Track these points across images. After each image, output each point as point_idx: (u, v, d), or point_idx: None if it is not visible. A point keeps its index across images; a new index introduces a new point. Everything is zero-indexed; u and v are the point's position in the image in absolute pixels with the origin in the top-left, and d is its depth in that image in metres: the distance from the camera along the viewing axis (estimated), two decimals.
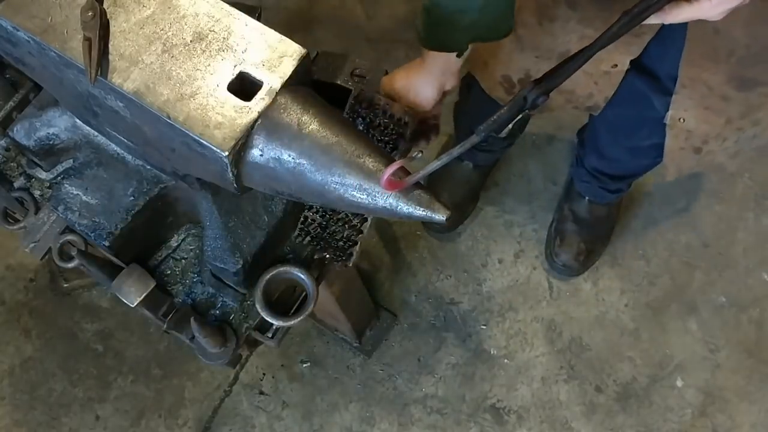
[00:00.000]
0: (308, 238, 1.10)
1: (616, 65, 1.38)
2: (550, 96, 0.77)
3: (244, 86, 0.86)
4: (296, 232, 1.10)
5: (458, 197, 2.15)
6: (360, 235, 1.11)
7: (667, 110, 1.40)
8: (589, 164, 1.94)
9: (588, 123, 1.90)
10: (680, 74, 1.32)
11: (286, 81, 0.86)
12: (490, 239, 2.18)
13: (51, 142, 1.10)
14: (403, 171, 0.83)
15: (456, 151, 0.76)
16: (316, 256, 1.12)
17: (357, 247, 1.11)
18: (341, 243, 1.11)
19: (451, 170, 2.12)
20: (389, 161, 0.84)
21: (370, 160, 0.84)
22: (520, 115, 0.77)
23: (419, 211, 0.83)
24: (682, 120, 1.40)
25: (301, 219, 1.10)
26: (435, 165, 0.78)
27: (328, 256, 1.11)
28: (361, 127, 1.08)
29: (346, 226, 1.11)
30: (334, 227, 1.11)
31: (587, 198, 2.07)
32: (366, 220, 1.12)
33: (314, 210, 1.12)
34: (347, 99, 1.12)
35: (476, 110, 1.78)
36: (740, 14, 1.04)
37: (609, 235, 2.15)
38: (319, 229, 1.11)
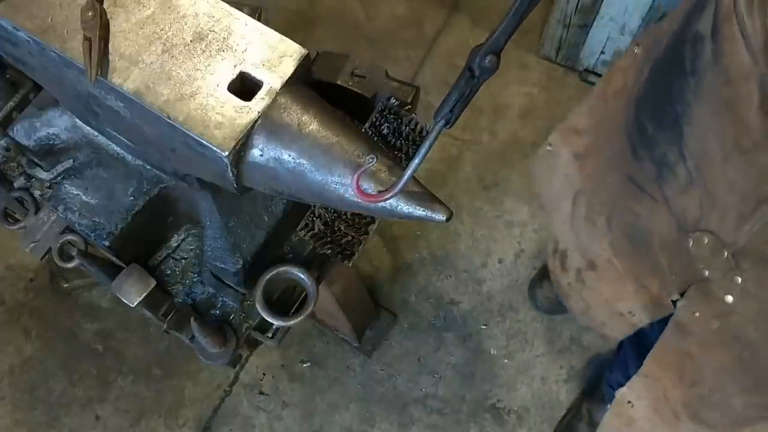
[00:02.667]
0: (311, 233, 1.10)
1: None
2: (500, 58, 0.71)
3: (244, 86, 0.86)
4: (301, 226, 1.10)
5: None
6: (365, 236, 1.11)
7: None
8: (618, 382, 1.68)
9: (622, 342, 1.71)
10: None
11: (287, 81, 0.86)
12: (490, 239, 2.17)
13: (51, 142, 1.10)
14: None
15: (424, 148, 0.75)
16: (318, 251, 1.11)
17: (360, 248, 1.11)
18: (345, 240, 1.11)
19: None
20: (390, 161, 0.84)
21: None
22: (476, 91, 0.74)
23: (419, 211, 0.83)
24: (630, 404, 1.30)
25: (308, 213, 1.10)
26: (409, 171, 0.77)
27: (329, 252, 1.10)
28: (385, 132, 1.08)
29: (353, 226, 1.11)
30: (339, 225, 1.11)
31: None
32: (373, 221, 1.11)
33: (321, 206, 1.12)
34: (349, 99, 1.12)
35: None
36: None
37: None
38: (324, 226, 1.11)
